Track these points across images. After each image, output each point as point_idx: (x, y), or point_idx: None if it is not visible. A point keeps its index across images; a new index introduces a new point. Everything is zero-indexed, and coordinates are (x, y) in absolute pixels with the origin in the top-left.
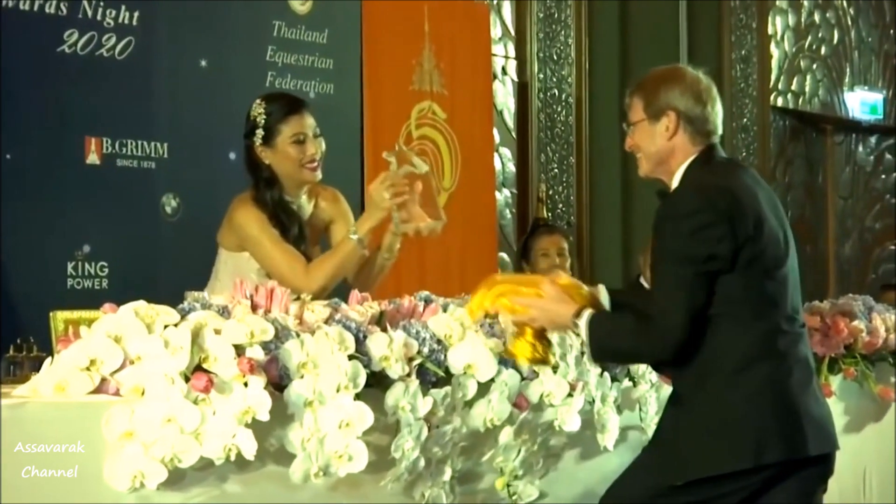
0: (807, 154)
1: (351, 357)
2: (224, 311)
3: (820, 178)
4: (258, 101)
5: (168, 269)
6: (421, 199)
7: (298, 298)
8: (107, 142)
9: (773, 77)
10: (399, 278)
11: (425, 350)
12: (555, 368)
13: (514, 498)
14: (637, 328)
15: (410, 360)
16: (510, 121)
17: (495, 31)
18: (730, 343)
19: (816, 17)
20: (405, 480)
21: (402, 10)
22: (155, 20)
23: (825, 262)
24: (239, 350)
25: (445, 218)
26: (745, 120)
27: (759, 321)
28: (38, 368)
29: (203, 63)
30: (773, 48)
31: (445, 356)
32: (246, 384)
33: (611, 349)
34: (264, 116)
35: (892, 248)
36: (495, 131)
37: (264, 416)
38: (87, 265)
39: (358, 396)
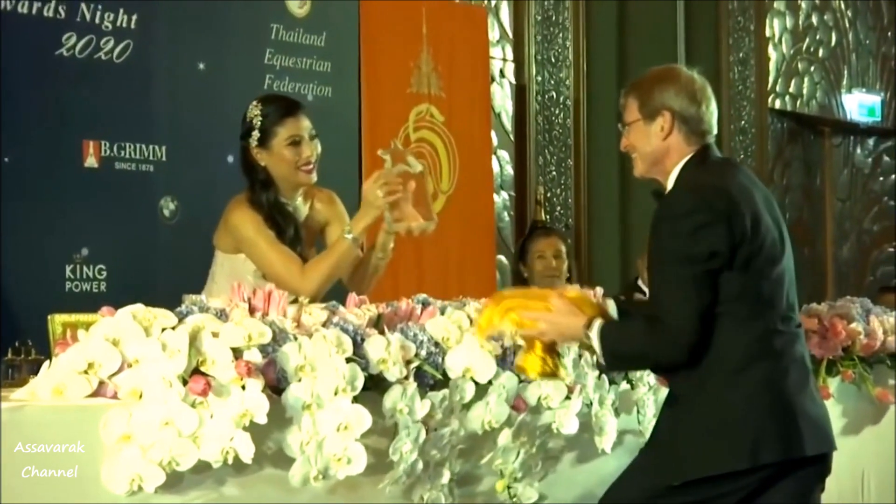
0: (804, 156)
1: (349, 360)
2: (222, 315)
3: (818, 180)
4: (254, 102)
5: (166, 273)
6: (413, 198)
7: (296, 301)
8: (105, 145)
9: (770, 79)
10: (397, 281)
11: (423, 353)
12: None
13: (514, 500)
14: (649, 332)
15: (408, 362)
16: (508, 123)
17: (493, 34)
18: (726, 343)
19: (814, 20)
20: (403, 483)
21: (400, 12)
22: (153, 23)
23: (823, 265)
24: (236, 353)
25: (436, 219)
26: (742, 122)
27: (755, 321)
28: (36, 372)
29: (201, 66)
30: (770, 50)
31: (443, 359)
32: (244, 387)
33: (625, 356)
34: (260, 118)
35: (891, 250)
36: (493, 134)
37: (262, 420)
38: (85, 268)
39: (356, 399)
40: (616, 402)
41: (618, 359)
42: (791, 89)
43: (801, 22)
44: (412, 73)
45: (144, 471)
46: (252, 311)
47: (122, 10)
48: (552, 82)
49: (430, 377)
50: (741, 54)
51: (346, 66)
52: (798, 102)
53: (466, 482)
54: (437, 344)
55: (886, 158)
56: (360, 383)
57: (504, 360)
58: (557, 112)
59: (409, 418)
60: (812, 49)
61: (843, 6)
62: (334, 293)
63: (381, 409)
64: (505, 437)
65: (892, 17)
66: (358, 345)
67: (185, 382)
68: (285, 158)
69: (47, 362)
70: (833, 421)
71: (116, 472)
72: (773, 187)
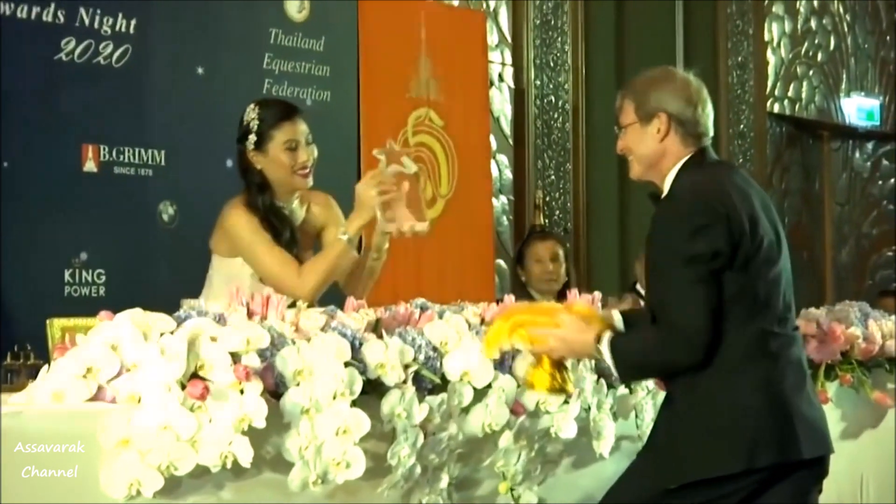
0: (803, 160)
1: (347, 364)
2: (220, 319)
3: (817, 184)
4: (252, 105)
5: (165, 277)
6: (406, 199)
7: (294, 305)
8: (104, 149)
9: (769, 83)
10: (395, 285)
11: (421, 357)
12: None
13: (516, 503)
14: (661, 338)
15: (406, 367)
16: (507, 127)
17: (492, 38)
18: (723, 345)
19: (813, 24)
20: (402, 487)
21: (399, 16)
22: (152, 28)
23: (822, 269)
24: (235, 357)
25: (427, 220)
26: (741, 126)
27: (752, 322)
28: (34, 376)
29: (200, 70)
30: (769, 54)
31: (441, 363)
32: (242, 392)
33: (638, 366)
34: (257, 122)
35: (889, 254)
36: (492, 138)
37: (260, 424)
38: (84, 272)
39: (354, 403)
40: (614, 407)
41: (632, 369)
42: (790, 93)
43: (799, 26)
44: (411, 77)
45: (143, 475)
46: (250, 315)
47: (121, 15)
48: (551, 86)
49: (428, 381)
50: (740, 58)
51: (345, 70)
52: (797, 106)
53: (465, 486)
54: (435, 348)
55: (885, 162)
56: (358, 387)
57: (502, 363)
58: (556, 116)
59: (407, 422)
60: (811, 53)
61: (841, 10)
62: (333, 298)
63: (379, 414)
64: (506, 438)
65: (890, 21)
66: (356, 349)
67: (183, 387)
68: (281, 162)
69: (46, 367)
70: (832, 425)
71: (115, 477)
72: (771, 191)
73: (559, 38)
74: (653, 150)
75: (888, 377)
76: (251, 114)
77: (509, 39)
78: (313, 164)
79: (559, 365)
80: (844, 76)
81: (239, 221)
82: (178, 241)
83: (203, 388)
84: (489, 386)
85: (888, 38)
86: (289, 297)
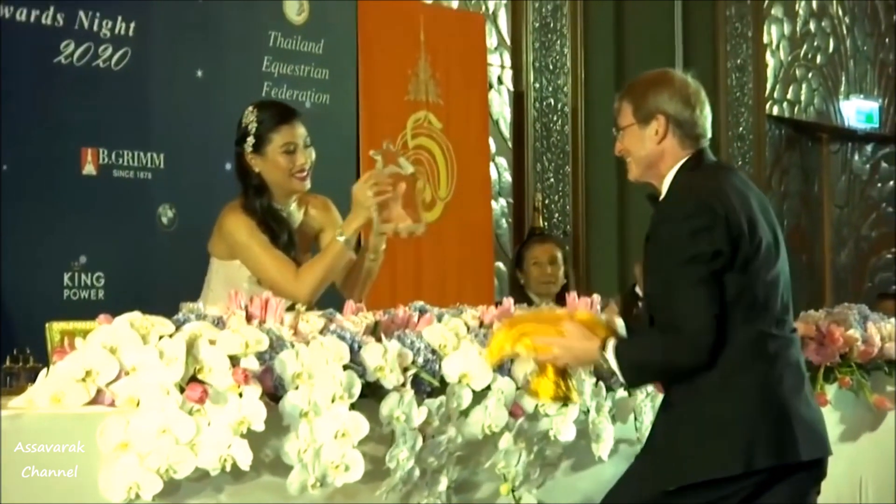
0: (802, 163)
1: (346, 367)
2: (219, 322)
3: (816, 186)
4: (250, 108)
5: (164, 280)
6: (402, 200)
7: (293, 308)
8: (103, 152)
9: (768, 86)
10: (395, 288)
11: (420, 360)
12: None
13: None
14: (665, 341)
15: (405, 370)
16: (506, 130)
17: (491, 41)
18: (721, 346)
19: (812, 26)
20: (401, 490)
21: (398, 19)
22: (151, 30)
23: (821, 271)
24: (234, 361)
25: (423, 222)
26: (740, 129)
27: (751, 324)
28: (34, 379)
29: (199, 73)
30: (768, 57)
31: (440, 366)
32: (241, 395)
33: (645, 370)
34: (255, 124)
35: (889, 256)
36: (491, 141)
37: (259, 427)
38: (83, 276)
39: (353, 407)
40: (613, 410)
41: (638, 374)
42: (789, 96)
43: (798, 28)
44: (410, 80)
45: (142, 479)
46: (249, 318)
47: (120, 18)
48: (550, 89)
49: (427, 384)
50: (739, 61)
51: (344, 73)
52: (796, 109)
53: (464, 489)
54: (433, 351)
55: (884, 165)
56: (357, 391)
57: (501, 366)
58: (555, 119)
59: (406, 425)
60: (810, 55)
61: (840, 13)
62: (331, 301)
63: (378, 417)
64: (507, 440)
65: (889, 23)
66: (355, 352)
67: (182, 390)
68: (279, 165)
69: (45, 370)
70: (830, 427)
71: (114, 480)
72: (770, 194)
73: (558, 41)
74: (651, 151)
75: (887, 380)
76: (249, 116)
77: (508, 42)
78: (311, 167)
79: (563, 373)
80: (843, 78)
81: (236, 224)
82: (178, 244)
83: (202, 392)
84: (488, 388)
85: (887, 40)
86: (286, 299)
